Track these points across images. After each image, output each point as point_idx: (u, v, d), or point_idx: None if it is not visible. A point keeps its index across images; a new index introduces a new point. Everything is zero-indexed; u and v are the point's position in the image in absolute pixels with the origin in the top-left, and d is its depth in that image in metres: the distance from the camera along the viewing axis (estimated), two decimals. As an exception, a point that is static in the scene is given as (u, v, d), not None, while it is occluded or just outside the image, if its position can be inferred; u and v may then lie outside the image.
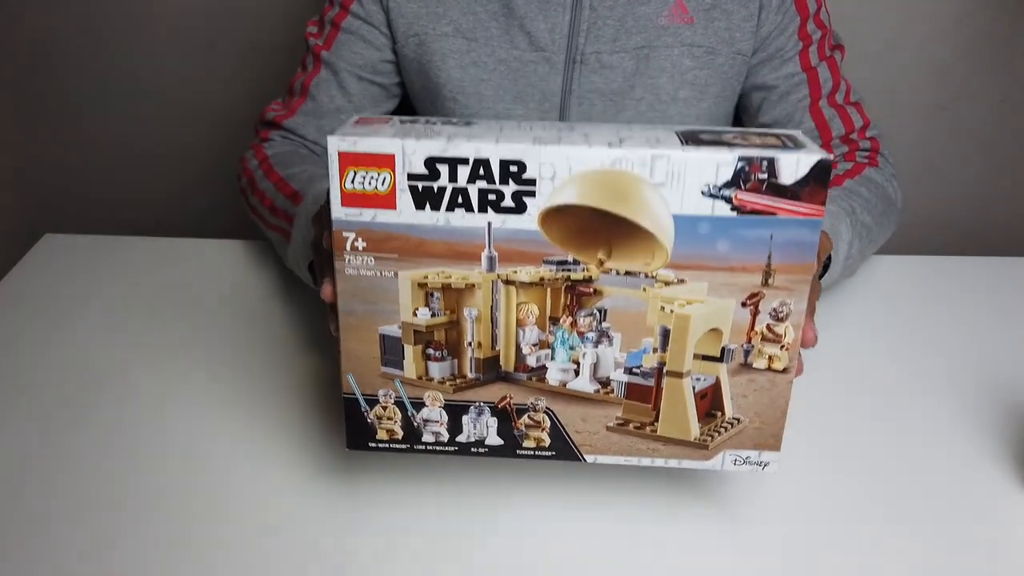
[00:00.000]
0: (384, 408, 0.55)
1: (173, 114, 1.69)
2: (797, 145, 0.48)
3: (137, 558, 0.59)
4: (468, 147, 0.47)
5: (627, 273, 0.50)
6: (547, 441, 0.56)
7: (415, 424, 0.55)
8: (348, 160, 0.47)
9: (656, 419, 0.54)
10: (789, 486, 0.64)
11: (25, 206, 1.85)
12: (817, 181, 0.47)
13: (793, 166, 0.47)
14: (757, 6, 0.83)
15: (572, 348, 0.53)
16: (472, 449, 0.56)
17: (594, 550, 0.59)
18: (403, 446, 0.56)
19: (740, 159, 0.47)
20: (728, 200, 0.48)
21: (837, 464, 0.66)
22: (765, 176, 0.47)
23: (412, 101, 0.93)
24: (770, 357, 0.52)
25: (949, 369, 0.76)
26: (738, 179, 0.47)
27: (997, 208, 1.70)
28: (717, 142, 0.48)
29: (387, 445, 0.56)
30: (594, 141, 0.48)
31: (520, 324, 0.52)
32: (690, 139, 0.48)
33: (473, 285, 0.51)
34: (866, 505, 0.63)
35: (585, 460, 0.56)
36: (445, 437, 0.56)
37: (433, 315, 0.52)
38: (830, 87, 0.87)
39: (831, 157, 0.46)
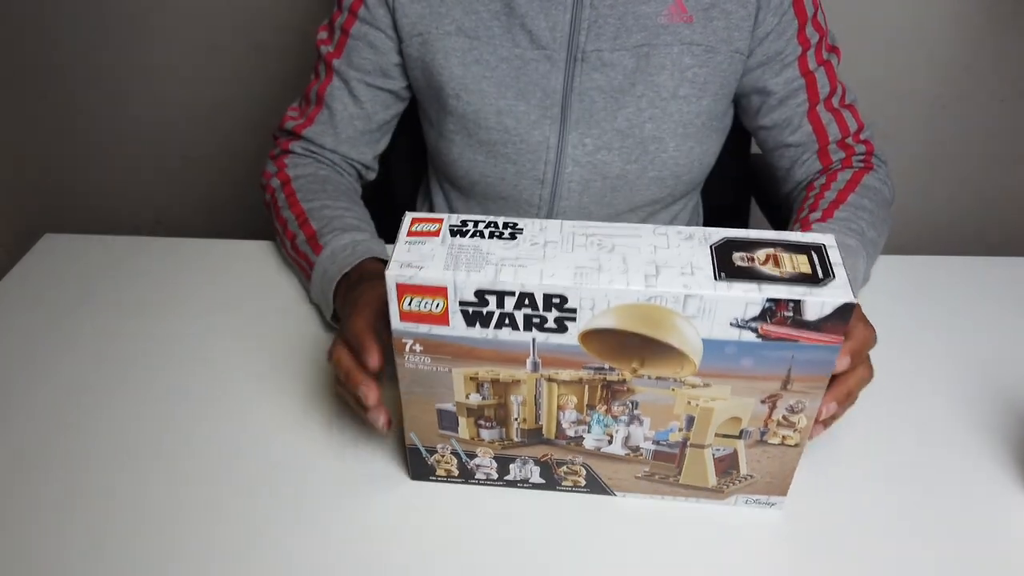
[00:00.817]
0: (442, 457, 0.63)
1: (174, 115, 1.69)
2: (826, 275, 0.50)
3: (137, 559, 0.59)
4: (514, 283, 0.51)
5: (658, 378, 0.55)
6: (583, 483, 0.63)
7: (469, 467, 0.63)
8: (404, 290, 0.52)
9: (679, 473, 0.61)
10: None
11: (25, 206, 1.85)
12: (839, 319, 0.50)
13: (818, 308, 0.49)
14: (755, 6, 0.84)
15: (607, 426, 0.59)
16: (519, 484, 0.64)
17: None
18: (460, 480, 0.64)
19: (768, 300, 0.49)
20: (754, 331, 0.51)
21: (836, 463, 0.66)
22: (791, 315, 0.50)
23: (418, 99, 0.94)
24: (783, 437, 0.58)
25: (949, 369, 0.76)
26: (765, 315, 0.50)
27: (997, 208, 1.70)
28: (750, 272, 0.51)
29: (446, 479, 0.64)
30: (632, 270, 0.51)
31: (561, 408, 0.58)
32: (724, 266, 0.51)
33: (519, 381, 0.56)
34: (865, 505, 0.63)
35: (615, 494, 0.63)
36: (495, 477, 0.63)
37: (483, 399, 0.58)
38: (827, 91, 0.88)
39: (855, 301, 0.49)
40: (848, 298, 0.49)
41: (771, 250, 0.52)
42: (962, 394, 0.73)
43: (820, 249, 0.52)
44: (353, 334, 0.62)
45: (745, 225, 1.21)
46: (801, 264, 0.51)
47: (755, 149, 1.08)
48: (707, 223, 1.07)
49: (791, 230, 0.85)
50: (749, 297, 0.49)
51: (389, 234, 0.74)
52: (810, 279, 0.50)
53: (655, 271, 0.51)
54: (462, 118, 0.88)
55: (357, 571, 0.58)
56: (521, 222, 0.54)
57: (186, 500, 0.63)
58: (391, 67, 0.89)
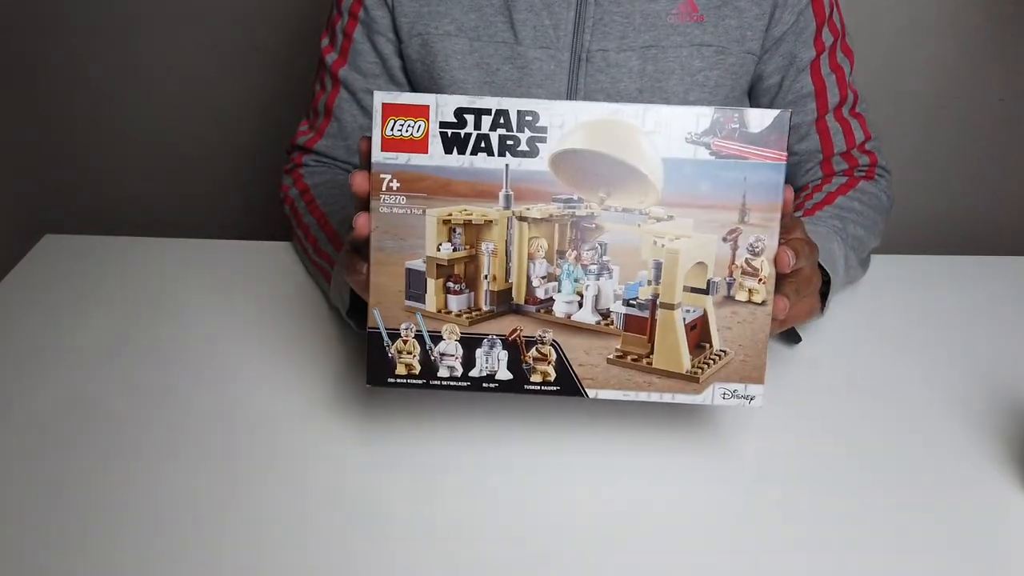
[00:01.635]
0: (405, 342, 0.61)
1: (174, 115, 1.69)
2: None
3: (137, 559, 0.59)
4: (491, 100, 0.56)
5: (624, 210, 0.58)
6: (552, 375, 0.61)
7: (432, 358, 0.61)
8: (389, 110, 0.56)
9: (651, 352, 0.61)
10: (788, 485, 0.65)
11: (25, 206, 1.85)
12: (779, 131, 0.56)
13: (758, 117, 0.56)
14: (771, 4, 0.81)
15: (577, 280, 0.60)
16: (483, 384, 0.61)
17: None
18: (419, 382, 0.61)
19: (716, 111, 0.56)
20: (707, 146, 0.57)
21: (836, 463, 0.66)
22: (736, 126, 0.56)
23: None
24: (750, 291, 0.59)
25: (949, 368, 0.76)
26: (715, 128, 0.56)
27: (997, 207, 1.70)
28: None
29: (405, 381, 0.61)
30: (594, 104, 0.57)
31: (531, 257, 0.60)
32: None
33: (491, 221, 0.58)
34: (865, 504, 0.63)
35: (587, 395, 0.61)
36: (459, 372, 0.61)
37: (455, 250, 0.59)
38: (837, 100, 0.87)
39: (789, 112, 0.57)
40: (783, 110, 0.56)
41: None
42: (962, 394, 0.73)
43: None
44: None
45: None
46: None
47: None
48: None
49: None
50: (700, 110, 0.56)
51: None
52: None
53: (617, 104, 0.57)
54: None
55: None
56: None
57: (186, 500, 0.63)
58: (397, 71, 0.88)
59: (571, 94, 0.83)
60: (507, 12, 0.81)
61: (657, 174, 0.57)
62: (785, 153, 0.56)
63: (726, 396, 0.61)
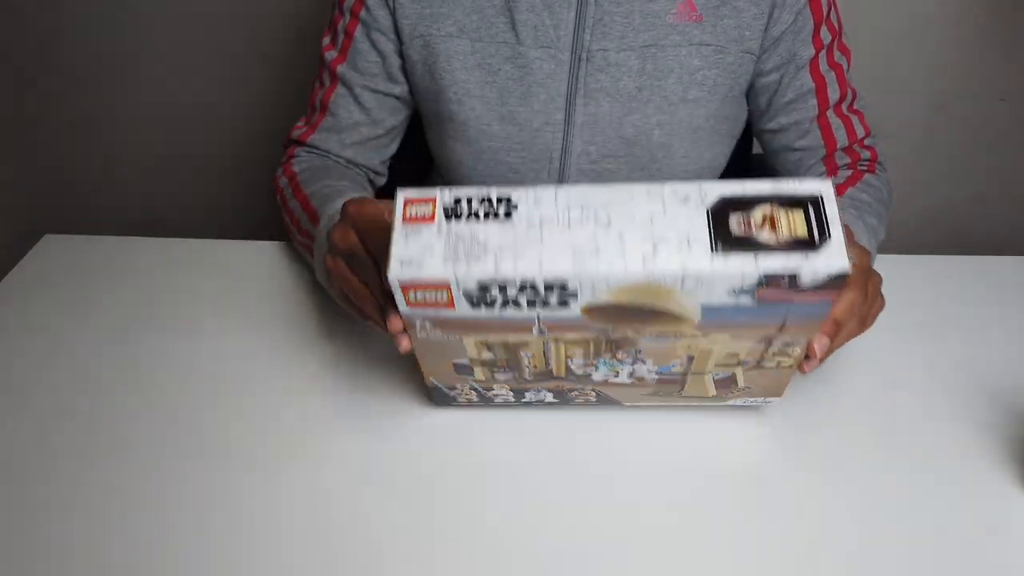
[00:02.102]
0: (462, 390, 0.67)
1: (174, 115, 1.69)
2: (822, 235, 0.50)
3: (138, 559, 0.59)
4: (514, 274, 0.51)
5: (659, 335, 0.57)
6: (594, 398, 0.67)
7: (487, 395, 0.68)
8: (408, 286, 0.53)
9: (682, 390, 0.65)
10: (787, 485, 0.65)
11: (25, 206, 1.85)
12: (833, 285, 0.51)
13: (812, 276, 0.50)
14: (769, 4, 0.82)
15: (612, 367, 0.62)
16: (534, 404, 0.69)
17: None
18: (480, 404, 0.69)
19: (764, 274, 0.50)
20: (751, 295, 0.52)
21: (835, 463, 0.66)
22: (786, 282, 0.51)
23: (418, 103, 0.92)
24: (779, 362, 0.61)
25: (949, 368, 0.76)
26: (761, 283, 0.51)
27: (997, 207, 1.70)
28: (746, 243, 0.50)
29: (467, 405, 0.69)
30: (629, 250, 0.51)
31: (568, 357, 0.61)
32: (721, 234, 0.51)
33: (527, 342, 0.58)
34: (864, 504, 0.63)
35: (624, 404, 0.68)
36: (512, 400, 0.68)
37: (495, 357, 0.61)
38: (837, 97, 0.87)
39: (849, 269, 0.50)
40: (842, 266, 0.49)
41: (767, 208, 0.51)
42: (961, 393, 0.73)
43: (817, 202, 0.51)
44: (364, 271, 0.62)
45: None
46: (798, 225, 0.51)
47: (756, 150, 1.08)
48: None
49: None
50: (746, 272, 0.50)
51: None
52: (806, 244, 0.50)
53: (652, 249, 0.51)
54: (463, 125, 0.87)
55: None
56: (515, 195, 0.53)
57: (187, 499, 0.63)
58: (396, 71, 0.88)
59: (571, 94, 0.83)
60: (508, 13, 0.82)
61: (695, 314, 0.54)
62: (834, 296, 0.52)
63: (745, 403, 0.68)
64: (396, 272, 0.52)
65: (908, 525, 0.61)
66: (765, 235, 0.50)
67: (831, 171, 0.89)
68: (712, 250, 0.50)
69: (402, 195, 0.54)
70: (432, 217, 0.53)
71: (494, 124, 0.85)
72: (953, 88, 1.56)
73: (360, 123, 0.90)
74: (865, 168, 0.88)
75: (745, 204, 0.51)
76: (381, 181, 0.96)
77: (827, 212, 0.51)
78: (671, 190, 0.52)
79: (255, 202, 1.78)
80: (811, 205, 0.51)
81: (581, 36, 0.82)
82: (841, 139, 0.88)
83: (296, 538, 0.60)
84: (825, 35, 0.85)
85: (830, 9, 0.86)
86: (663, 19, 0.81)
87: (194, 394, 0.73)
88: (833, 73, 0.87)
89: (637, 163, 0.86)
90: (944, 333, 0.80)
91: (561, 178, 0.88)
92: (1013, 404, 0.72)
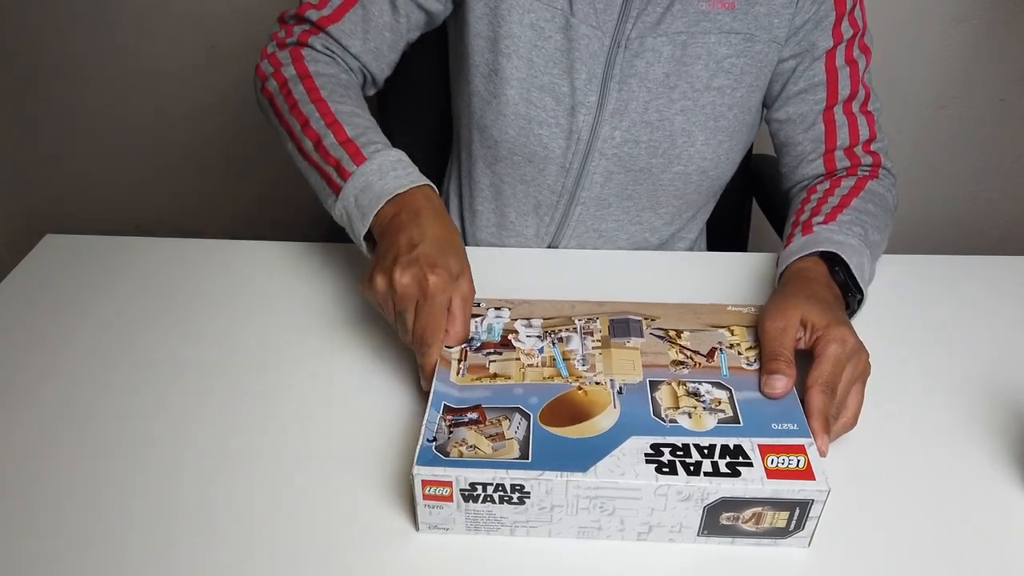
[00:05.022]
0: None
1: (174, 115, 1.69)
2: (798, 527, 0.57)
3: (138, 559, 0.59)
4: (526, 542, 0.59)
5: None
6: None
7: None
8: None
9: None
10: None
11: (25, 206, 1.85)
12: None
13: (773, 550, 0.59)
14: None
15: None
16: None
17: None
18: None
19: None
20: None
21: (835, 463, 0.66)
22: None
23: (461, 47, 0.87)
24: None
25: (949, 368, 0.76)
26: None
27: (997, 207, 1.70)
28: (730, 530, 0.58)
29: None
30: (627, 529, 0.58)
31: None
32: (710, 524, 0.58)
33: None
34: (864, 504, 0.63)
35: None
36: None
37: None
38: (847, 93, 0.87)
39: (808, 546, 0.59)
40: (803, 545, 0.58)
41: (759, 509, 0.57)
42: (962, 393, 0.73)
43: (806, 505, 0.56)
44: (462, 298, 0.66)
45: (746, 231, 1.20)
46: (779, 520, 0.57)
47: (757, 150, 1.08)
48: (709, 224, 1.06)
49: (788, 230, 0.84)
50: (720, 551, 0.58)
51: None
52: (779, 532, 0.58)
53: (647, 530, 0.58)
54: (505, 83, 0.83)
55: None
56: (527, 484, 0.56)
57: (187, 499, 0.63)
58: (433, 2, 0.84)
59: (607, 78, 0.83)
60: None
61: None
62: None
63: None
64: (427, 535, 0.60)
65: (908, 525, 0.61)
66: (748, 527, 0.58)
67: (829, 171, 0.89)
68: (698, 533, 0.58)
69: (419, 477, 0.57)
70: (450, 497, 0.58)
71: (533, 91, 0.84)
72: (953, 88, 1.56)
73: (386, 26, 0.83)
74: (867, 173, 0.88)
75: (741, 505, 0.57)
76: (371, 92, 0.89)
77: (811, 512, 0.57)
78: (676, 491, 0.56)
79: (255, 202, 1.78)
80: (799, 507, 0.56)
81: (624, 24, 0.82)
82: (842, 138, 0.88)
83: (296, 538, 0.60)
84: (847, 29, 0.85)
85: (855, 5, 0.86)
86: (696, 6, 0.81)
87: (194, 394, 0.73)
88: (848, 69, 0.86)
89: (657, 149, 0.86)
90: (944, 333, 0.80)
91: (585, 161, 0.87)
92: (1013, 404, 0.72)
